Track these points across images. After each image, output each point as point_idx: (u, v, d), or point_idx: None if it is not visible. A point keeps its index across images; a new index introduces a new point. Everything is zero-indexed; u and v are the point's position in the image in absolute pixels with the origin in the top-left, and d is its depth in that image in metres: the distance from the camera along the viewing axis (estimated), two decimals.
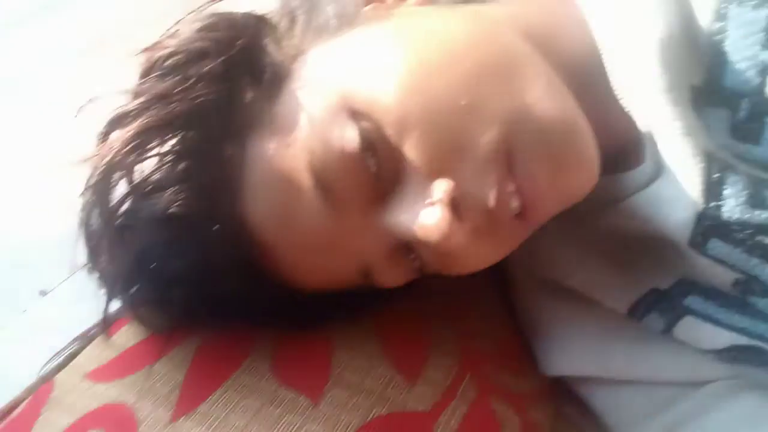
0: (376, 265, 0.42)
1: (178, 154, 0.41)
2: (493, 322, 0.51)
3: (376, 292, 0.45)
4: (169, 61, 0.40)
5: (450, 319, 0.49)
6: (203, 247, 0.41)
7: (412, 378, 0.45)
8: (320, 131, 0.38)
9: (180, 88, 0.39)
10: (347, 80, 0.38)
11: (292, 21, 0.42)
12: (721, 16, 0.37)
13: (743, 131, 0.38)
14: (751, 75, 0.37)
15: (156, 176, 0.41)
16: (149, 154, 0.41)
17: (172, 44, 0.40)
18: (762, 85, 0.37)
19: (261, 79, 0.40)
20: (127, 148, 0.39)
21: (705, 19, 0.38)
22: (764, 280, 0.37)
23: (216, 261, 0.42)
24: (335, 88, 0.38)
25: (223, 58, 0.39)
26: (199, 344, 0.46)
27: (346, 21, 0.41)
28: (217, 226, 0.41)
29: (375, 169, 0.38)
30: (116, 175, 0.40)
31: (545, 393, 0.50)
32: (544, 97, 0.38)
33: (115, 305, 0.44)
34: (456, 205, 0.37)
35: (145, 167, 0.41)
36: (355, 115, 0.37)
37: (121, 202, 0.41)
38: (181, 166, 0.41)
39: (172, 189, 0.40)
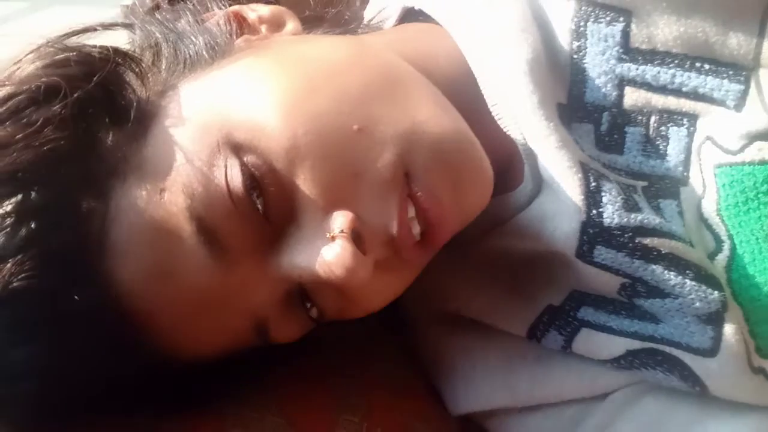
0: (272, 320, 0.38)
1: (20, 215, 0.34)
2: (396, 368, 0.49)
3: (270, 351, 0.40)
4: (8, 104, 0.34)
5: (351, 371, 0.46)
6: (58, 327, 0.35)
7: None
8: (200, 171, 0.34)
9: (22, 135, 0.33)
10: (227, 113, 0.36)
11: (157, 54, 0.39)
12: (579, 34, 0.40)
13: (607, 143, 0.41)
14: (610, 89, 0.40)
15: None
16: None
17: (10, 85, 0.34)
18: (620, 97, 0.40)
19: (124, 119, 0.36)
20: None
21: (565, 39, 0.41)
22: (647, 280, 0.39)
23: (75, 342, 0.35)
24: (214, 123, 0.35)
25: (76, 96, 0.34)
26: None
27: (219, 52, 0.39)
28: (76, 298, 0.34)
29: (263, 209, 0.35)
30: None
31: None
32: (435, 113, 0.38)
33: None
34: (358, 237, 0.35)
35: None
36: (239, 149, 0.34)
37: None
38: (25, 229, 0.34)
39: (13, 259, 0.34)
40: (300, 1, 0.56)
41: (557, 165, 0.39)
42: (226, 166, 0.34)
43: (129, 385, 0.37)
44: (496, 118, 0.42)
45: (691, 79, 0.38)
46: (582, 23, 0.40)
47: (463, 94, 0.42)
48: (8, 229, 0.34)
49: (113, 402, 0.37)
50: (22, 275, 0.34)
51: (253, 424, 0.41)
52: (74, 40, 0.38)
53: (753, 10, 0.36)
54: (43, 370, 0.35)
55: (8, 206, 0.34)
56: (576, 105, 0.41)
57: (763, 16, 0.36)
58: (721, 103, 0.38)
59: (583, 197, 0.39)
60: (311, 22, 0.49)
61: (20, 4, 2.36)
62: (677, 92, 0.39)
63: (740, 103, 0.38)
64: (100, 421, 0.38)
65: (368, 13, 0.53)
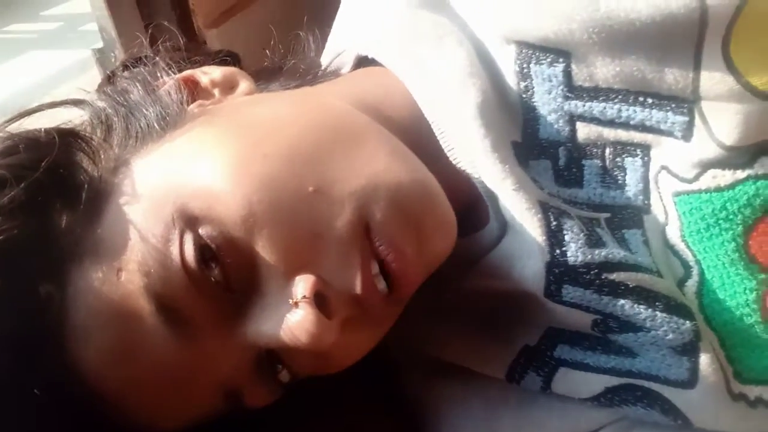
0: (245, 387, 0.37)
1: None
2: (381, 417, 0.48)
3: (246, 415, 0.40)
4: None
5: (336, 425, 0.45)
6: (21, 422, 0.34)
7: None
8: (155, 248, 0.34)
9: None
10: (180, 185, 0.35)
11: (108, 130, 0.39)
12: (524, 75, 0.40)
13: (566, 177, 0.41)
14: (561, 125, 0.40)
15: None
16: None
17: None
18: (572, 132, 0.40)
19: (76, 200, 0.35)
20: None
21: (512, 80, 0.41)
22: (618, 316, 0.39)
23: (46, 426, 0.34)
24: (168, 196, 0.35)
25: (24, 185, 0.34)
26: None
27: (171, 123, 0.39)
28: (36, 390, 0.34)
29: (222, 280, 0.34)
30: None
31: None
32: (392, 163, 0.38)
33: None
34: (322, 301, 0.35)
35: None
36: (194, 222, 0.34)
37: None
38: None
39: None
40: (258, 53, 0.56)
41: (516, 207, 0.39)
42: (181, 241, 0.34)
43: None
44: (453, 162, 0.41)
45: (637, 113, 0.38)
46: (525, 65, 0.40)
47: (421, 138, 0.41)
48: None
49: None
50: None
51: None
52: (23, 124, 0.37)
53: (684, 45, 0.36)
54: None
55: None
56: (531, 142, 0.41)
57: (696, 50, 0.36)
58: (669, 134, 0.38)
59: (545, 237, 0.39)
60: (268, 75, 0.49)
61: None
62: (626, 125, 0.39)
63: (687, 134, 0.38)
64: None
65: (324, 60, 0.53)
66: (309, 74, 0.50)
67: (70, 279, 0.35)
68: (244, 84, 0.44)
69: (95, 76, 0.40)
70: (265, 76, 0.48)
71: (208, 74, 0.44)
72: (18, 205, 0.34)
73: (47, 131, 0.37)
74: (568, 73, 0.39)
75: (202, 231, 0.34)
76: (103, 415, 0.36)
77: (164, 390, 0.35)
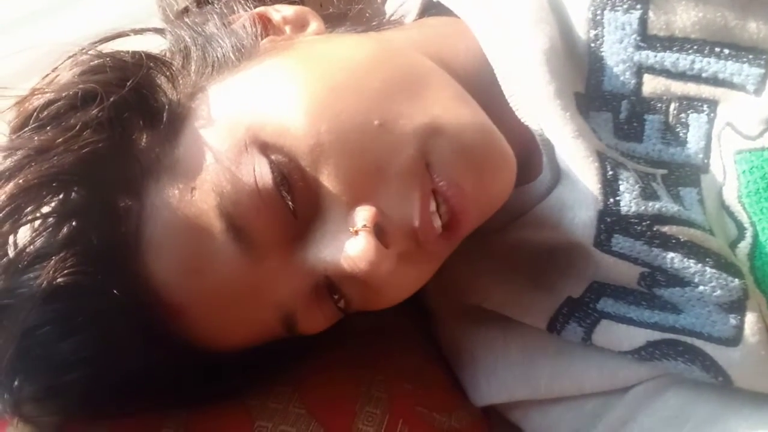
0: (299, 312, 0.39)
1: (62, 214, 0.36)
2: (418, 359, 0.50)
3: (295, 343, 0.42)
4: (48, 110, 0.36)
5: (373, 363, 0.47)
6: (99, 320, 0.37)
7: None
8: (229, 170, 0.36)
9: (62, 139, 0.35)
10: (253, 113, 0.37)
11: (187, 57, 0.40)
12: (596, 23, 0.40)
13: (626, 131, 0.41)
14: (628, 77, 0.40)
15: (36, 244, 0.36)
16: (28, 219, 0.36)
17: (49, 91, 0.36)
18: (638, 85, 0.40)
19: (157, 121, 0.37)
20: (1, 215, 0.34)
21: (582, 28, 0.41)
22: (666, 269, 0.39)
23: (116, 334, 0.37)
24: (241, 123, 0.36)
25: (111, 100, 0.36)
26: None
27: (245, 54, 0.40)
28: (115, 292, 0.36)
29: (291, 205, 0.36)
30: None
31: (478, 425, 0.49)
32: (454, 106, 0.39)
33: None
34: (381, 231, 0.36)
35: (24, 235, 0.36)
36: (266, 148, 0.36)
37: None
38: (67, 228, 0.36)
39: (56, 256, 0.36)
40: (324, 0, 0.57)
41: (574, 154, 0.39)
42: (254, 165, 0.35)
43: (161, 377, 0.38)
44: (513, 108, 0.42)
45: (711, 65, 0.38)
46: (599, 12, 0.40)
47: (483, 86, 0.42)
48: (50, 228, 0.36)
49: (147, 394, 0.39)
50: (66, 272, 0.35)
51: (277, 415, 0.42)
52: (108, 46, 0.39)
53: None
54: (88, 361, 0.37)
55: (50, 207, 0.36)
56: (594, 94, 0.41)
57: None
58: (741, 88, 0.38)
59: (599, 186, 0.39)
60: (334, 21, 0.50)
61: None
62: (697, 78, 0.39)
63: (760, 88, 0.37)
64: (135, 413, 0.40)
65: (389, 8, 0.54)
66: (374, 20, 0.51)
67: (148, 195, 0.37)
68: (315, 23, 0.45)
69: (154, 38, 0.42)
70: (331, 21, 0.49)
71: (281, 12, 0.45)
72: (105, 120, 0.36)
73: (133, 53, 0.39)
74: (643, 21, 0.39)
75: (273, 157, 0.35)
76: (165, 328, 0.38)
77: (226, 304, 0.37)
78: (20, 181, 0.34)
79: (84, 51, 0.38)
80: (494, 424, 0.49)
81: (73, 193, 0.37)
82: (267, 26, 0.44)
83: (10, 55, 0.40)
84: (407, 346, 0.50)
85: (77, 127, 0.35)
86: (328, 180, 0.36)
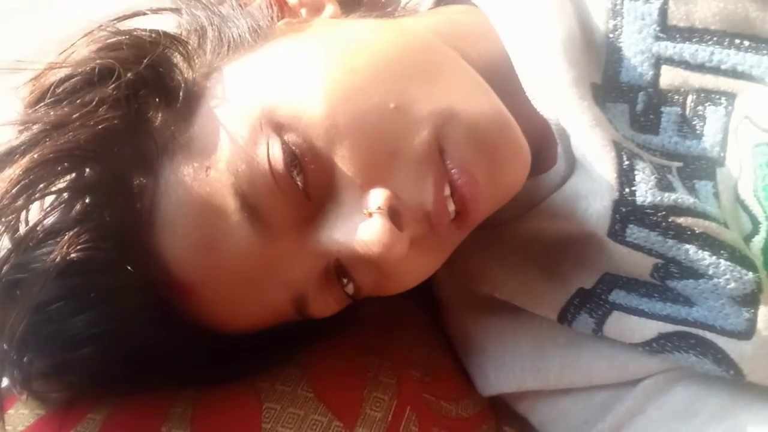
0: (310, 294, 0.39)
1: (76, 189, 0.37)
2: (426, 347, 0.50)
3: (305, 326, 0.42)
4: (64, 86, 0.36)
5: (381, 349, 0.47)
6: (111, 296, 0.37)
7: (351, 420, 0.43)
8: (243, 149, 0.36)
9: (78, 114, 0.35)
10: (269, 93, 0.37)
11: (202, 37, 0.40)
12: (615, 13, 0.40)
13: (642, 123, 0.41)
14: (646, 68, 0.40)
15: (50, 219, 0.36)
16: (42, 194, 0.36)
17: (66, 67, 0.36)
18: (656, 76, 0.40)
19: (172, 99, 0.37)
20: (16, 189, 0.34)
21: (600, 18, 0.41)
22: (680, 261, 0.39)
23: (127, 311, 0.37)
24: (256, 103, 0.36)
25: (128, 77, 0.36)
26: (106, 415, 0.40)
27: (261, 36, 0.40)
28: (128, 268, 0.36)
29: (303, 186, 0.36)
30: (2, 223, 0.35)
31: (486, 415, 0.49)
32: (472, 93, 0.38)
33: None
34: (395, 214, 0.36)
35: (37, 210, 0.36)
36: (280, 128, 0.36)
37: (8, 254, 0.35)
38: (81, 203, 0.37)
39: (70, 232, 0.36)
40: None
41: (591, 143, 0.39)
42: (268, 145, 0.35)
43: (172, 356, 0.39)
44: (529, 97, 0.42)
45: (730, 57, 0.38)
46: (619, 2, 0.40)
47: (500, 74, 0.42)
48: (64, 203, 0.36)
49: (156, 373, 0.39)
50: (79, 247, 0.35)
51: (286, 398, 0.42)
52: (125, 24, 0.39)
53: None
54: (100, 337, 0.37)
55: (64, 182, 0.36)
56: (611, 85, 0.41)
57: None
58: (759, 80, 0.38)
59: (616, 175, 0.39)
60: (349, 6, 0.50)
61: None
62: (715, 70, 0.39)
63: None
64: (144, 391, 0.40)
65: None
66: (389, 7, 0.51)
67: (163, 172, 0.37)
68: (331, 7, 0.45)
69: (170, 18, 0.42)
70: (346, 6, 0.49)
71: None
72: (121, 97, 0.36)
73: (150, 31, 0.38)
74: (663, 11, 0.38)
75: (287, 137, 0.35)
76: (177, 306, 0.38)
77: (238, 283, 0.37)
78: (35, 155, 0.34)
79: (101, 28, 0.38)
80: (501, 414, 0.49)
81: (88, 169, 0.37)
82: (283, 8, 0.44)
83: (28, 34, 0.40)
84: (416, 334, 0.50)
85: (93, 103, 0.35)
86: (342, 162, 0.36)
